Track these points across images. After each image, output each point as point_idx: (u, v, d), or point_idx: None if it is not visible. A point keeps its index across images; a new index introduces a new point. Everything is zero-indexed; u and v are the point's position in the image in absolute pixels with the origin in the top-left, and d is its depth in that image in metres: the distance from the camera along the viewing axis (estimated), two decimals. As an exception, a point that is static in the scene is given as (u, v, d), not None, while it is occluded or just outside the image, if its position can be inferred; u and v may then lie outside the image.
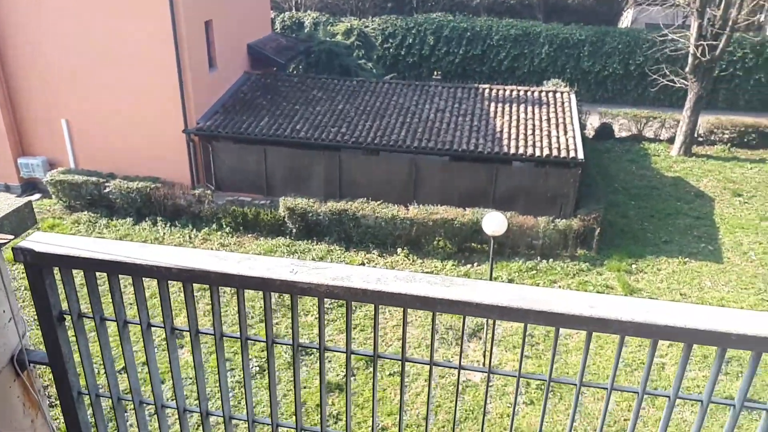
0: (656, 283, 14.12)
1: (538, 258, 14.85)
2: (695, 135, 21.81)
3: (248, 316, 11.85)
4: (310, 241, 15.61)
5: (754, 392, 10.65)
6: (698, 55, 20.25)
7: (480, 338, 12.04)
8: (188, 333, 1.65)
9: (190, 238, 15.76)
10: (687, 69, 21.09)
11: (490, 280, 11.16)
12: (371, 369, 10.98)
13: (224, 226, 16.01)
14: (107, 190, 16.45)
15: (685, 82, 21.22)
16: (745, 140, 22.08)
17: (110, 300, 1.67)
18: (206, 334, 1.66)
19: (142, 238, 15.74)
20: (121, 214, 16.58)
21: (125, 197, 16.37)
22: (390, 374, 11.13)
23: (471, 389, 10.73)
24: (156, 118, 17.27)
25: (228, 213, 16.02)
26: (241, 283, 1.48)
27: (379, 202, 15.66)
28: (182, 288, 1.57)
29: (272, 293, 1.51)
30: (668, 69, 22.56)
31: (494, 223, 10.75)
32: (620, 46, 27.21)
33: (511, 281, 14.16)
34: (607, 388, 1.49)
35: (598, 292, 13.77)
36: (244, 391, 1.78)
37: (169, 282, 1.60)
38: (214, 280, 1.50)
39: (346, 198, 16.12)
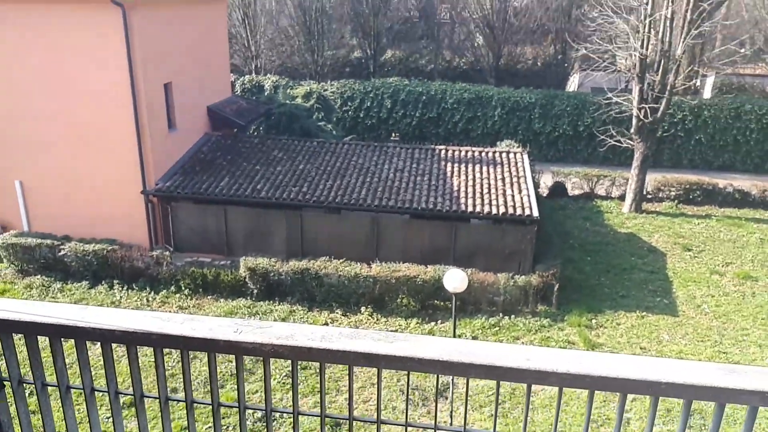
0: (616, 338, 14.32)
1: (500, 314, 14.93)
2: (644, 192, 22.72)
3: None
4: (272, 302, 15.37)
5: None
6: (641, 117, 21.36)
7: (446, 398, 11.89)
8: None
9: (147, 301, 15.34)
10: (632, 130, 22.17)
11: (453, 337, 11.14)
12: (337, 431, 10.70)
13: (183, 288, 15.66)
14: (62, 253, 16.02)
15: (631, 142, 22.25)
16: (691, 197, 23.08)
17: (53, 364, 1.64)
18: (150, 397, 1.63)
19: (98, 302, 15.25)
20: (77, 278, 16.09)
21: (81, 260, 15.93)
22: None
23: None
24: (114, 179, 17.07)
25: (187, 274, 15.70)
26: (184, 344, 1.48)
27: (341, 261, 15.63)
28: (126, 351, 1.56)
29: (217, 354, 1.51)
30: (615, 130, 23.67)
31: (455, 280, 10.85)
32: (569, 109, 28.51)
33: (474, 338, 14.15)
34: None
35: (560, 347, 13.87)
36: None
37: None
38: (157, 341, 1.49)
39: (309, 257, 16.05)
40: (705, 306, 15.87)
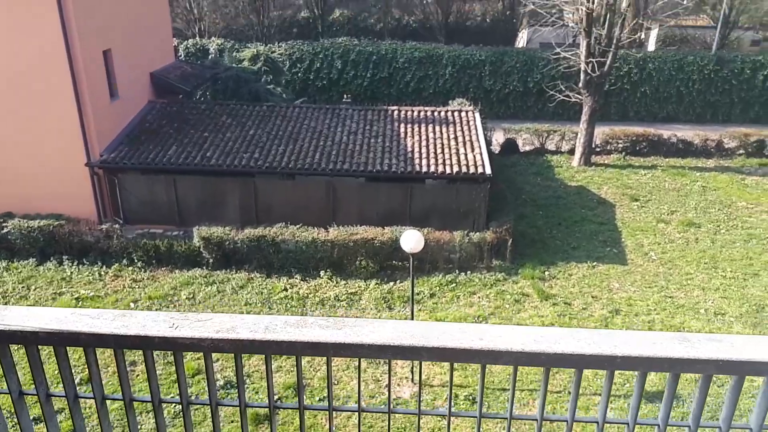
0: (569, 288, 14.75)
1: (457, 271, 15.15)
2: (593, 146, 23.17)
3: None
4: (229, 270, 15.17)
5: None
6: (589, 71, 21.59)
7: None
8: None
9: (100, 275, 14.93)
10: (580, 84, 22.42)
11: (412, 296, 11.22)
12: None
13: (136, 261, 15.27)
14: (5, 230, 15.35)
15: (580, 97, 22.53)
16: (637, 148, 23.70)
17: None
18: (85, 398, 1.53)
19: (48, 279, 14.76)
20: (23, 256, 15.50)
21: (26, 237, 15.33)
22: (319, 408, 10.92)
23: (401, 406, 10.72)
24: (56, 151, 16.29)
25: (139, 247, 15.29)
26: (116, 342, 1.37)
27: (298, 226, 15.47)
28: (53, 352, 1.44)
29: (153, 351, 1.41)
30: (563, 85, 23.89)
31: (412, 240, 10.87)
32: (518, 65, 28.58)
33: (432, 296, 14.34)
34: (507, 417, 1.50)
35: (515, 299, 14.19)
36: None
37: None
38: (87, 341, 1.38)
39: (264, 224, 15.81)
40: (652, 253, 16.47)
